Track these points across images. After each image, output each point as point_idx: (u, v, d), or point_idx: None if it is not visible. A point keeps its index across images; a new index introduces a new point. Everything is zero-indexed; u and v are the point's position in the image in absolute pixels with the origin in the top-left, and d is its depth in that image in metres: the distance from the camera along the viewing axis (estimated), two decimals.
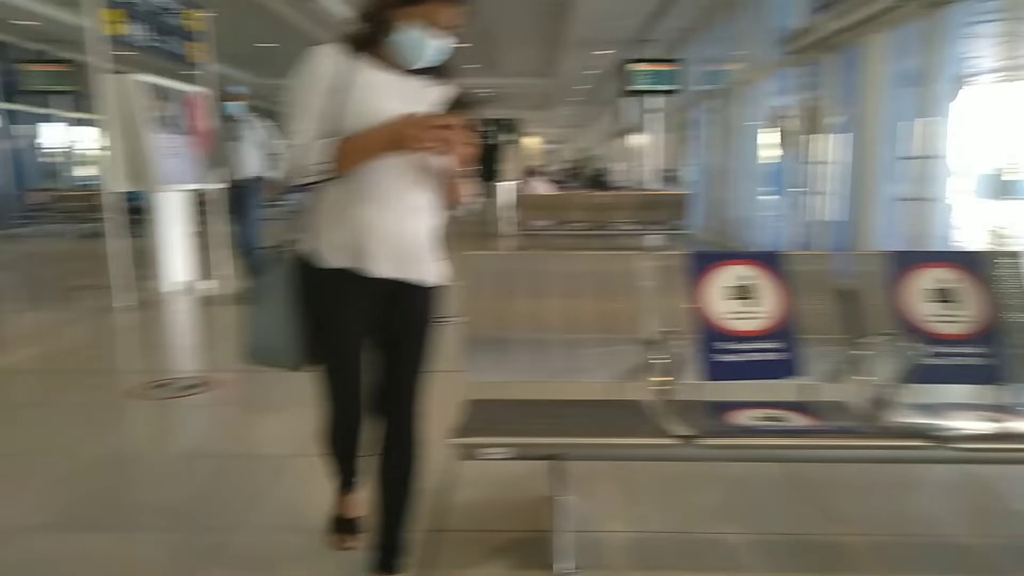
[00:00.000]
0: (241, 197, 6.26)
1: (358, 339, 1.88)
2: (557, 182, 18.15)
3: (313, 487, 2.64)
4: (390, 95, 1.77)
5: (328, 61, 1.77)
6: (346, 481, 2.12)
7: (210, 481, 2.76)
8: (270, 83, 20.57)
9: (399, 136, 1.68)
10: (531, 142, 38.66)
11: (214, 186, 7.09)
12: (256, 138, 6.33)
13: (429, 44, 1.77)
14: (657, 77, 12.73)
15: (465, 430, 2.03)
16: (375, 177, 1.76)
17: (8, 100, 13.24)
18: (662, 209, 9.12)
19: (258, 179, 6.32)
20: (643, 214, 9.08)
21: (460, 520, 2.38)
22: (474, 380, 2.32)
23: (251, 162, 6.26)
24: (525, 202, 10.24)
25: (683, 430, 1.93)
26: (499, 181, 13.01)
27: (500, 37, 15.44)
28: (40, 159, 14.26)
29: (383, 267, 1.79)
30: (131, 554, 2.19)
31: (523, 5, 12.20)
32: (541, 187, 11.45)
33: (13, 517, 2.42)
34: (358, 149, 1.72)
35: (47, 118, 14.34)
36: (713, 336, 2.35)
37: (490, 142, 32.77)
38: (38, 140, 14.25)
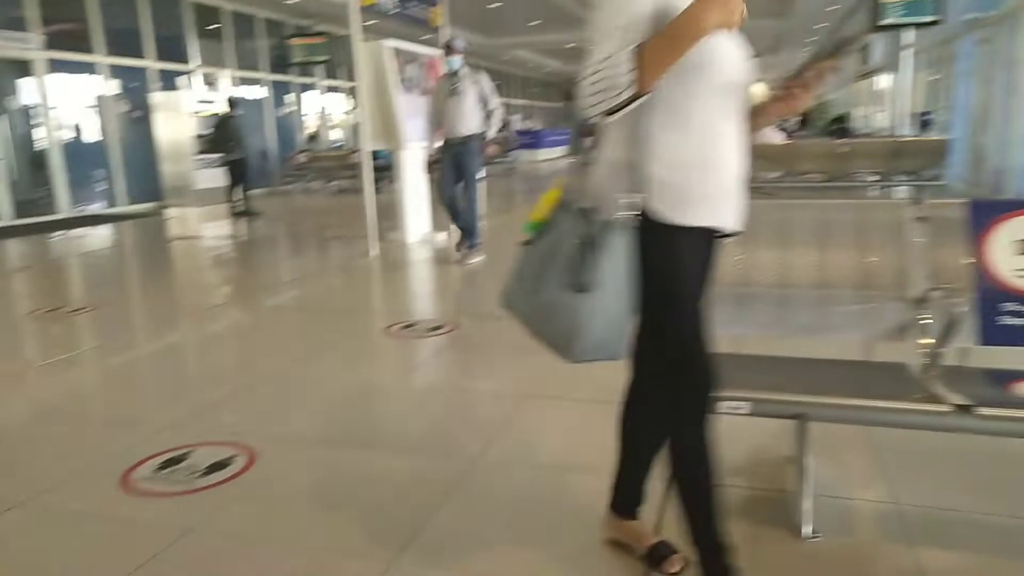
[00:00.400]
0: (460, 155, 5.96)
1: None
2: (785, 131, 16.91)
3: (548, 425, 2.81)
4: None
5: None
6: (635, 492, 1.92)
7: (451, 414, 3.02)
8: (499, 43, 21.35)
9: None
10: (759, 89, 36.15)
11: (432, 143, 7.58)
12: (478, 93, 5.98)
13: None
14: (913, 7, 11.21)
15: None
16: (700, 104, 1.47)
17: (278, 72, 15.10)
18: (915, 158, 8.12)
19: (480, 136, 6.05)
20: (891, 163, 8.15)
21: None
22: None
23: (472, 119, 5.96)
24: (751, 152, 9.66)
25: (959, 398, 1.74)
26: None
27: None
28: (300, 124, 16.13)
29: (731, 218, 1.56)
30: (388, 471, 2.48)
31: None
32: (775, 136, 10.69)
33: (298, 431, 2.84)
34: (676, 36, 1.35)
35: (306, 87, 16.14)
36: (995, 296, 2.07)
37: None
38: (298, 107, 16.11)
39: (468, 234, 6.19)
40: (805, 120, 29.42)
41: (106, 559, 1.94)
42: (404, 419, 3.03)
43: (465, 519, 2.11)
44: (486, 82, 6.12)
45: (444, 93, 6.00)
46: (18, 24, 9.78)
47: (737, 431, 2.51)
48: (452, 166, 6.03)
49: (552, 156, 23.66)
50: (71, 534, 2.09)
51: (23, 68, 10.15)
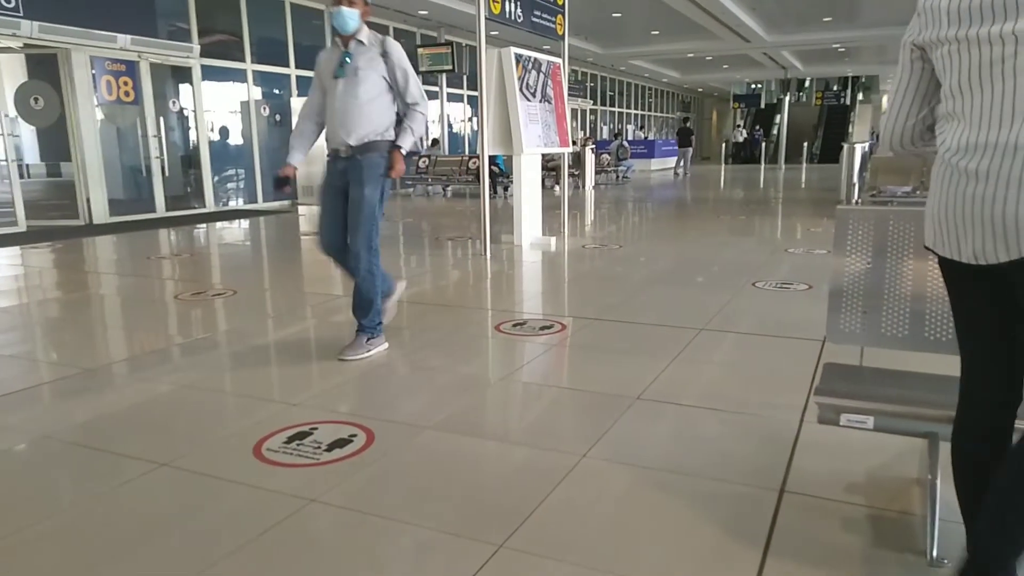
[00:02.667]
0: (348, 176, 3.75)
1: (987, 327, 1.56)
2: None
3: (654, 428, 2.81)
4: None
5: (918, 16, 1.52)
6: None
7: (560, 410, 3.06)
8: (617, 52, 21.31)
9: None
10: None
11: (565, 150, 7.67)
12: (385, 74, 3.64)
13: None
14: None
15: (831, 392, 1.93)
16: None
17: None
18: None
19: (387, 146, 3.76)
20: None
21: (805, 484, 2.30)
22: (837, 343, 2.20)
23: (372, 117, 3.68)
24: (879, 165, 9.15)
25: None
26: (850, 143, 11.79)
27: None
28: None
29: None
30: (497, 459, 2.56)
31: None
32: None
33: (414, 416, 2.97)
34: None
35: (430, 95, 16.71)
36: None
37: (841, 103, 29.65)
38: None
39: (361, 312, 3.82)
40: None
41: (239, 520, 2.12)
42: (513, 412, 3.11)
43: (571, 510, 2.15)
44: (397, 54, 3.64)
45: (326, 74, 3.70)
46: (180, 35, 10.75)
47: (860, 447, 2.42)
48: (334, 193, 3.77)
49: (666, 166, 23.29)
50: (209, 495, 2.29)
51: (182, 74, 11.15)
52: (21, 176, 9.18)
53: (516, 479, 2.38)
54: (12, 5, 8.08)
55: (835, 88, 30.37)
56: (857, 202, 10.51)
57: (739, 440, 2.66)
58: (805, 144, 26.17)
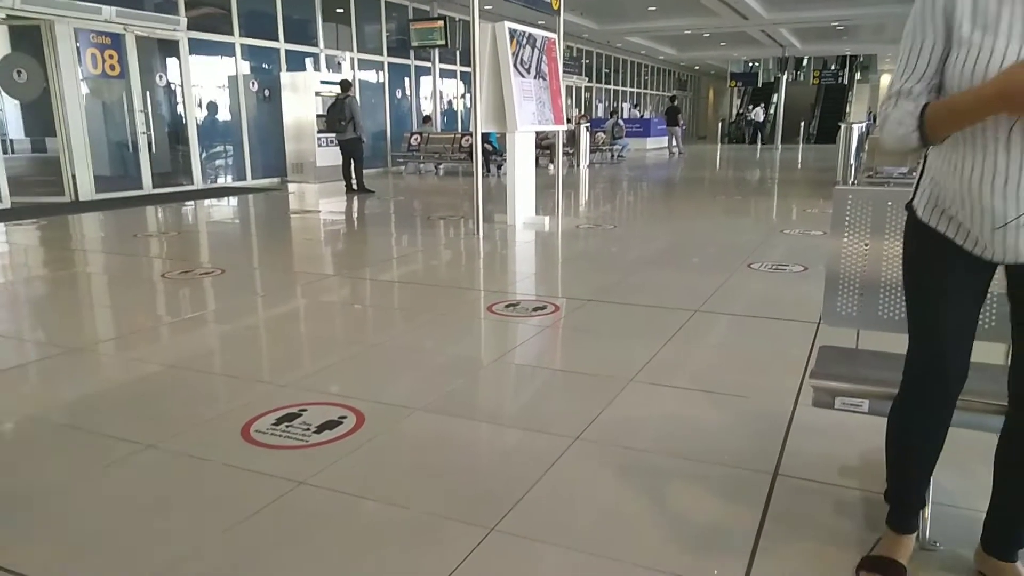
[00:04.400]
0: None
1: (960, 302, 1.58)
2: None
3: (648, 411, 2.78)
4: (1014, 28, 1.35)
5: None
6: (905, 504, 1.76)
7: (552, 392, 3.04)
8: (613, 28, 21.07)
9: (1010, 92, 1.28)
10: (887, 81, 33.97)
11: (559, 128, 7.58)
12: None
13: None
14: None
15: (826, 375, 1.90)
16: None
17: (396, 55, 15.53)
18: None
19: None
20: None
21: (799, 467, 2.28)
22: (833, 326, 2.17)
23: None
24: (876, 145, 9.11)
25: None
26: (847, 123, 11.74)
27: None
28: (415, 107, 16.55)
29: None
30: (489, 441, 2.53)
31: None
32: None
33: (404, 397, 2.93)
34: (953, 113, 1.40)
35: (422, 71, 16.51)
36: None
37: (835, 82, 29.52)
38: (414, 90, 16.52)
39: None
40: None
41: (228, 502, 2.08)
42: (505, 394, 3.08)
43: (563, 493, 2.12)
44: None
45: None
46: (167, 7, 10.54)
47: (854, 430, 2.40)
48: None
49: (661, 145, 23.17)
50: (197, 476, 2.26)
51: (168, 48, 10.94)
52: (5, 151, 9.04)
53: (508, 461, 2.36)
54: None
55: (833, 67, 30.20)
56: (854, 183, 10.47)
57: (733, 423, 2.64)
58: (802, 124, 26.06)
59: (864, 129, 11.93)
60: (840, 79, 30.02)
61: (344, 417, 2.64)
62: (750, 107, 29.56)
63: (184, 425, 2.63)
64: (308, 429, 2.55)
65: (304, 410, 2.71)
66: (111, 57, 9.76)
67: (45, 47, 9.11)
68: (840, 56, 29.74)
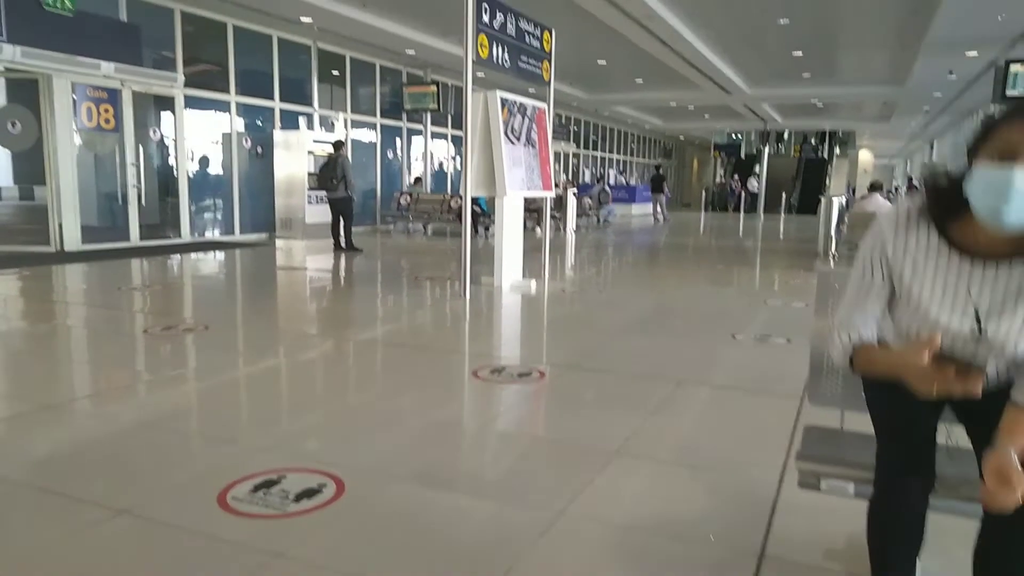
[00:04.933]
0: None
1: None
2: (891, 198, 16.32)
3: (631, 486, 2.74)
4: (944, 294, 1.46)
5: (888, 233, 1.52)
6: None
7: (537, 463, 2.99)
8: (601, 98, 21.70)
9: (907, 371, 1.40)
10: (866, 156, 35.10)
11: (547, 194, 7.72)
12: None
13: (1016, 188, 1.28)
14: None
15: (812, 457, 1.90)
16: None
17: (389, 117, 15.85)
18: None
19: None
20: None
21: (784, 548, 2.25)
22: (819, 406, 2.18)
23: None
24: (857, 220, 9.34)
25: None
26: (827, 196, 12.06)
27: (840, 41, 14.22)
28: (405, 167, 16.79)
29: None
30: (471, 514, 2.48)
31: (875, 4, 11.07)
32: (886, 205, 10.32)
33: (386, 465, 2.87)
34: (875, 363, 1.53)
35: (414, 132, 16.83)
36: None
37: (819, 157, 30.39)
38: (405, 151, 16.80)
39: None
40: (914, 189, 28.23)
41: (204, 574, 2.02)
42: (489, 463, 3.04)
43: (547, 570, 2.07)
44: None
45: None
46: (165, 64, 10.73)
47: (840, 510, 2.38)
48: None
49: (647, 211, 23.57)
50: (172, 546, 2.18)
51: (164, 103, 11.10)
52: None
53: (491, 536, 2.31)
54: None
55: (813, 141, 31.13)
56: (834, 255, 10.67)
57: (718, 500, 2.62)
58: (783, 194, 26.68)
59: (843, 203, 12.24)
60: (820, 153, 30.93)
61: (324, 485, 2.58)
62: (734, 177, 30.25)
63: (159, 489, 2.56)
64: (287, 497, 2.49)
65: (283, 476, 2.65)
66: (106, 111, 9.87)
67: (41, 100, 9.21)
68: (820, 131, 30.71)
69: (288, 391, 4.12)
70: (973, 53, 12.80)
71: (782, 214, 25.99)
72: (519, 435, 3.41)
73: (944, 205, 1.45)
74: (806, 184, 29.01)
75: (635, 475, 2.84)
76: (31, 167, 10.21)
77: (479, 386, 4.05)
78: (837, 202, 11.45)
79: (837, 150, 31.79)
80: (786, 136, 32.12)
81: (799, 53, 15.10)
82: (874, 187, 10.37)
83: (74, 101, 9.54)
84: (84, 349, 5.09)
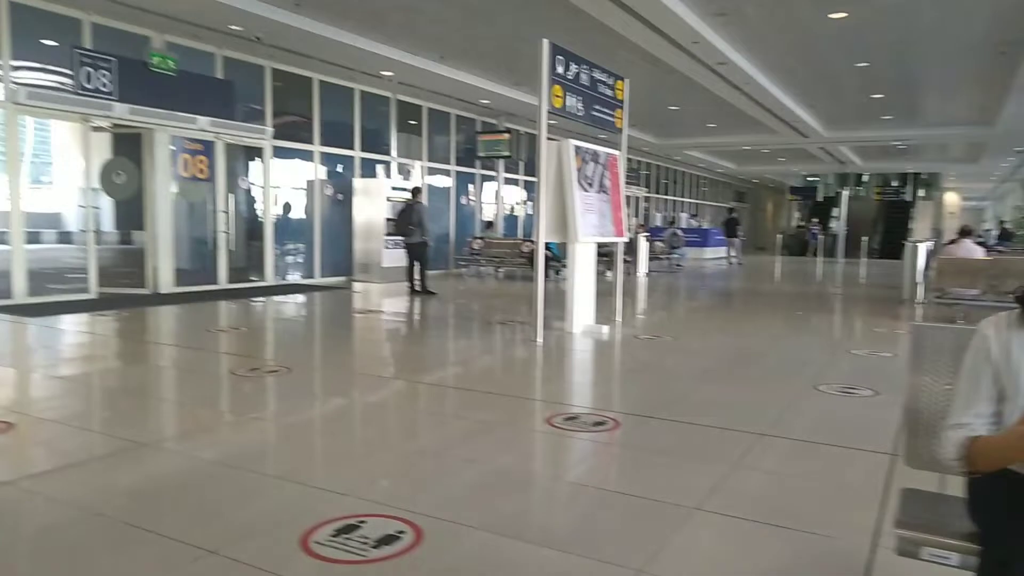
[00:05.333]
0: None
1: None
2: (985, 244, 15.53)
3: (713, 545, 2.66)
4: None
5: (992, 336, 1.66)
6: None
7: (614, 517, 2.93)
8: (673, 143, 21.67)
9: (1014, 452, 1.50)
10: (952, 199, 33.62)
11: (619, 239, 7.71)
12: None
13: None
14: None
15: (912, 524, 1.80)
16: None
17: (463, 164, 16.26)
18: None
19: None
20: None
21: None
22: (916, 469, 2.07)
23: None
24: (946, 266, 8.91)
25: None
26: (912, 241, 11.59)
27: (922, 83, 13.80)
28: (478, 212, 17.12)
29: None
30: (549, 568, 2.44)
31: (963, 46, 10.73)
32: (977, 250, 9.83)
33: (463, 512, 2.87)
34: (989, 449, 1.58)
35: (487, 178, 17.18)
36: None
37: (901, 199, 29.27)
38: (478, 197, 17.14)
39: None
40: (1006, 233, 26.78)
41: None
42: (565, 516, 3.00)
43: None
44: None
45: None
46: (255, 117, 11.38)
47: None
48: None
49: (720, 255, 23.17)
50: None
51: (253, 153, 11.74)
52: (96, 243, 9.65)
53: None
54: (108, 90, 8.71)
55: (894, 184, 30.07)
56: (923, 302, 10.20)
57: (806, 564, 2.50)
58: (864, 238, 25.77)
59: (930, 247, 11.72)
60: (902, 195, 29.81)
61: (403, 532, 2.61)
62: (812, 220, 29.39)
63: (244, 530, 2.64)
64: (367, 543, 2.53)
65: (363, 522, 2.69)
66: (201, 162, 10.51)
67: (144, 152, 9.89)
68: (902, 173, 29.66)
69: (365, 434, 4.20)
70: None
71: (863, 258, 25.05)
72: (595, 487, 3.36)
73: None
74: (888, 227, 27.93)
75: (716, 533, 2.75)
76: (129, 213, 10.91)
77: (553, 434, 4.03)
78: (924, 247, 10.98)
79: (921, 192, 30.58)
80: (865, 178, 31.15)
81: (879, 95, 14.73)
82: (964, 232, 9.89)
83: (172, 153, 10.21)
84: (174, 389, 5.34)
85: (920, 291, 10.56)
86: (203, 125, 9.97)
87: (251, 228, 12.20)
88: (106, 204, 11.11)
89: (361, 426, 4.37)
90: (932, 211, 30.15)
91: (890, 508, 2.52)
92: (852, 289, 15.04)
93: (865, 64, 11.93)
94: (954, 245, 9.82)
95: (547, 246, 7.56)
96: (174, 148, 10.25)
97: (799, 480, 3.42)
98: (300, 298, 10.69)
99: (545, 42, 6.66)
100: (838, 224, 27.02)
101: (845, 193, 27.13)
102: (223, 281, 11.03)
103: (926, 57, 11.49)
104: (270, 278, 11.87)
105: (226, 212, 11.02)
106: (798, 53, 11.48)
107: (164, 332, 7.78)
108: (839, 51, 11.21)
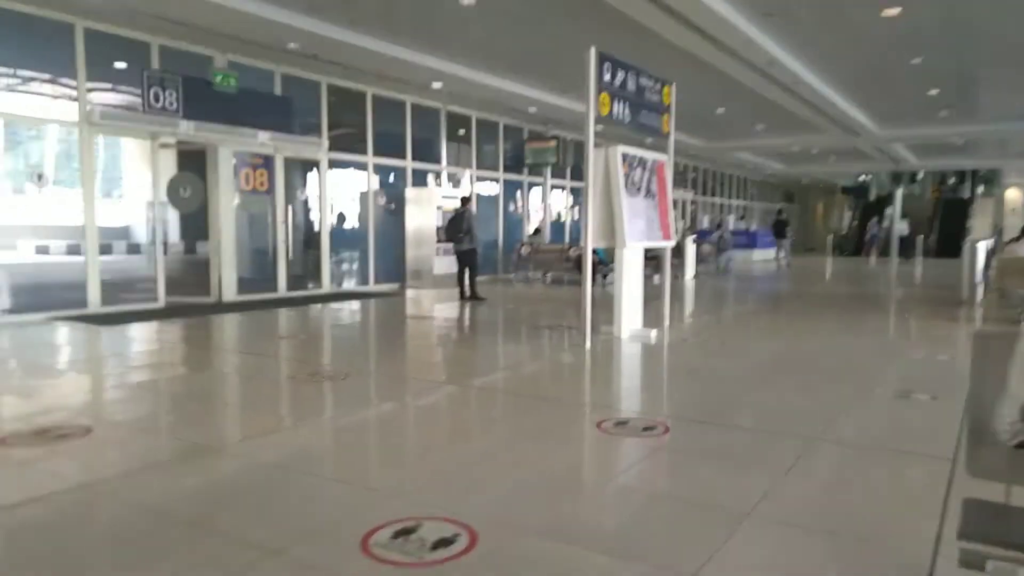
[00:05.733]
0: None
1: None
2: None
3: (766, 552, 2.67)
4: None
5: None
6: None
7: (668, 523, 2.97)
8: (720, 146, 21.42)
9: None
10: (1014, 195, 32.28)
11: (667, 244, 7.72)
12: None
13: None
14: None
15: (976, 535, 1.80)
16: None
17: (511, 171, 16.41)
18: None
19: None
20: None
21: None
22: (977, 478, 2.06)
23: None
24: (1007, 265, 8.64)
25: None
26: (971, 239, 11.24)
27: (980, 77, 13.35)
28: (526, 218, 17.23)
29: None
30: (604, 573, 2.51)
31: (1017, 39, 10.37)
32: None
33: (516, 517, 2.96)
34: None
35: (534, 185, 17.28)
36: None
37: (958, 196, 28.23)
38: (526, 203, 17.26)
39: None
40: None
41: None
42: (617, 520, 3.05)
43: None
44: None
45: None
46: (312, 131, 11.72)
47: None
48: None
49: (768, 257, 22.77)
50: None
51: (309, 165, 12.10)
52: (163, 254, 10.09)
53: None
54: (174, 108, 9.13)
55: (952, 181, 29.06)
56: (983, 303, 9.88)
57: (864, 574, 2.51)
58: (920, 237, 25.00)
59: (990, 246, 11.35)
60: (959, 192, 28.78)
61: (458, 535, 2.70)
62: (872, 220, 28.50)
63: (306, 531, 2.77)
64: (424, 546, 2.63)
65: (420, 524, 2.80)
66: (261, 175, 10.90)
67: (208, 166, 10.31)
68: (959, 170, 28.64)
69: (420, 437, 4.32)
70: None
71: (919, 258, 24.30)
72: (646, 491, 3.41)
73: None
74: (945, 226, 27.00)
75: (769, 541, 2.77)
76: (194, 224, 11.39)
77: (603, 439, 4.08)
78: (984, 246, 10.63)
79: (980, 189, 29.47)
80: (920, 176, 30.18)
81: (935, 91, 14.30)
82: None
83: (234, 166, 10.61)
84: (238, 394, 5.57)
85: (980, 291, 10.24)
86: (263, 140, 10.34)
87: (308, 238, 12.56)
88: (172, 215, 11.60)
89: (416, 430, 4.50)
90: (992, 208, 29.03)
91: (950, 518, 2.49)
92: (908, 290, 14.62)
93: (918, 60, 11.62)
94: (1017, 244, 9.50)
95: (594, 251, 7.59)
96: (236, 162, 10.65)
97: (855, 487, 3.40)
98: (355, 305, 10.96)
99: (592, 50, 6.73)
100: (896, 222, 26.22)
101: (899, 191, 26.33)
102: (282, 289, 11.39)
103: (981, 51, 11.12)
104: (327, 286, 12.20)
105: (285, 223, 11.39)
106: (848, 51, 11.24)
107: (228, 339, 8.10)
108: (892, 47, 10.95)
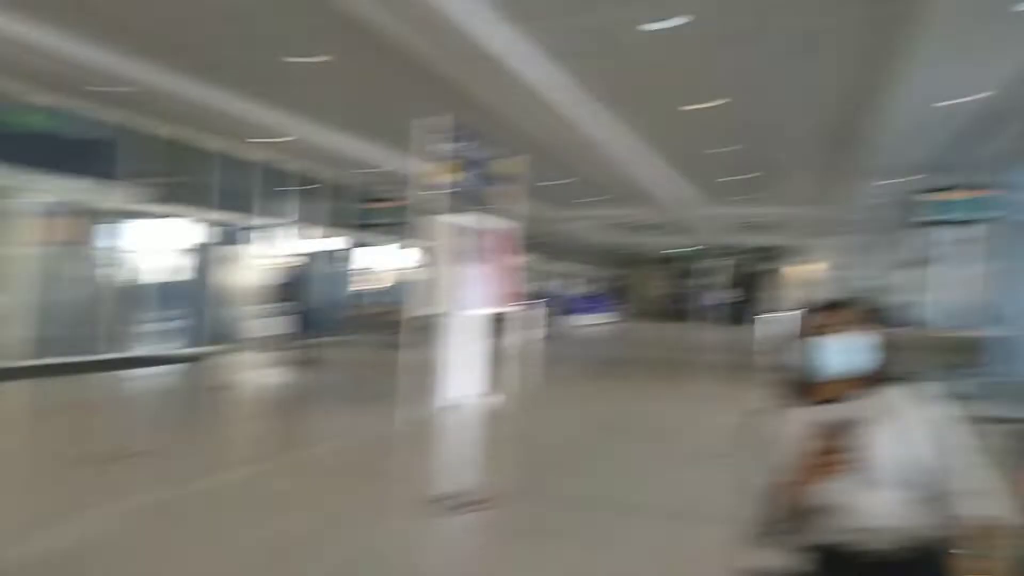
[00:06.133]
0: None
1: None
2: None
3: None
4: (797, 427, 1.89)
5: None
6: None
7: None
8: (569, 215, 22.41)
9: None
10: (793, 271, 36.18)
11: (498, 310, 7.88)
12: None
13: (824, 350, 1.89)
14: (968, 205, 11.80)
15: None
16: None
17: (351, 231, 16.15)
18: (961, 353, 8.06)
19: None
20: (939, 358, 8.10)
21: None
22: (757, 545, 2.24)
23: None
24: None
25: None
26: (761, 313, 12.52)
27: (781, 165, 15.21)
28: (362, 280, 16.97)
29: None
30: None
31: (810, 134, 11.98)
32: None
33: None
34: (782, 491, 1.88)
35: (373, 246, 17.12)
36: None
37: (750, 270, 31.20)
38: (363, 264, 17.03)
39: None
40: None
41: None
42: None
43: None
44: None
45: None
46: (136, 177, 10.84)
47: None
48: None
49: (602, 321, 23.95)
50: None
51: (135, 216, 11.11)
52: None
53: None
54: None
55: (746, 255, 32.29)
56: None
57: None
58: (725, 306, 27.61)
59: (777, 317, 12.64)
60: (754, 267, 32.09)
61: None
62: (693, 287, 30.93)
63: None
64: None
65: None
66: (75, 225, 9.91)
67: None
68: (757, 247, 31.96)
69: (229, 524, 4.04)
70: (891, 180, 13.79)
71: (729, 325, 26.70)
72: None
73: None
74: (741, 298, 29.99)
75: None
76: None
77: (426, 516, 4.02)
78: (769, 317, 11.83)
79: (769, 265, 32.89)
80: (724, 249, 33.31)
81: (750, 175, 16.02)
82: (808, 303, 10.77)
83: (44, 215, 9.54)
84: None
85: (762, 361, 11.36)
86: (69, 187, 9.47)
87: (126, 294, 11.45)
88: None
89: (226, 514, 4.17)
90: (777, 282, 32.37)
91: None
92: (714, 356, 16.00)
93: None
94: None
95: (427, 317, 7.58)
96: (38, 211, 9.60)
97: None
98: (178, 368, 10.13)
99: (431, 120, 6.86)
100: (717, 291, 28.75)
101: (710, 263, 28.94)
102: (99, 351, 10.19)
103: (779, 141, 12.69)
104: (147, 346, 11.14)
105: (100, 278, 10.37)
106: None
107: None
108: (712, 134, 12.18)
